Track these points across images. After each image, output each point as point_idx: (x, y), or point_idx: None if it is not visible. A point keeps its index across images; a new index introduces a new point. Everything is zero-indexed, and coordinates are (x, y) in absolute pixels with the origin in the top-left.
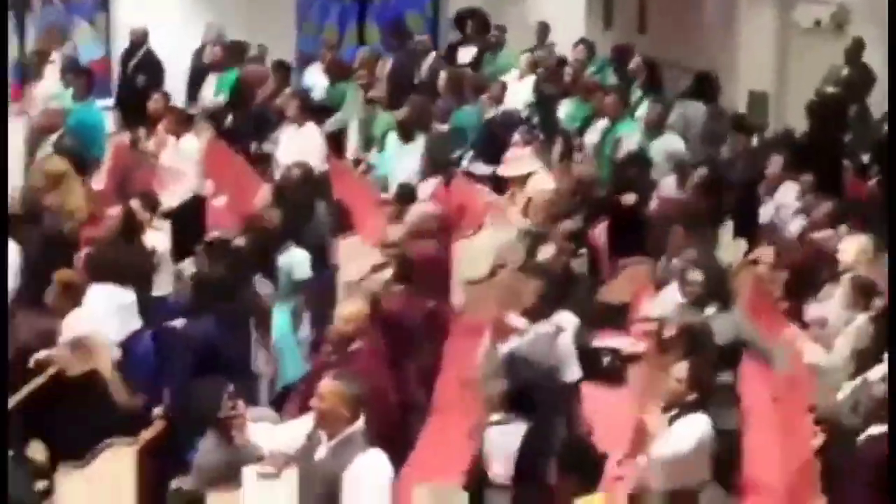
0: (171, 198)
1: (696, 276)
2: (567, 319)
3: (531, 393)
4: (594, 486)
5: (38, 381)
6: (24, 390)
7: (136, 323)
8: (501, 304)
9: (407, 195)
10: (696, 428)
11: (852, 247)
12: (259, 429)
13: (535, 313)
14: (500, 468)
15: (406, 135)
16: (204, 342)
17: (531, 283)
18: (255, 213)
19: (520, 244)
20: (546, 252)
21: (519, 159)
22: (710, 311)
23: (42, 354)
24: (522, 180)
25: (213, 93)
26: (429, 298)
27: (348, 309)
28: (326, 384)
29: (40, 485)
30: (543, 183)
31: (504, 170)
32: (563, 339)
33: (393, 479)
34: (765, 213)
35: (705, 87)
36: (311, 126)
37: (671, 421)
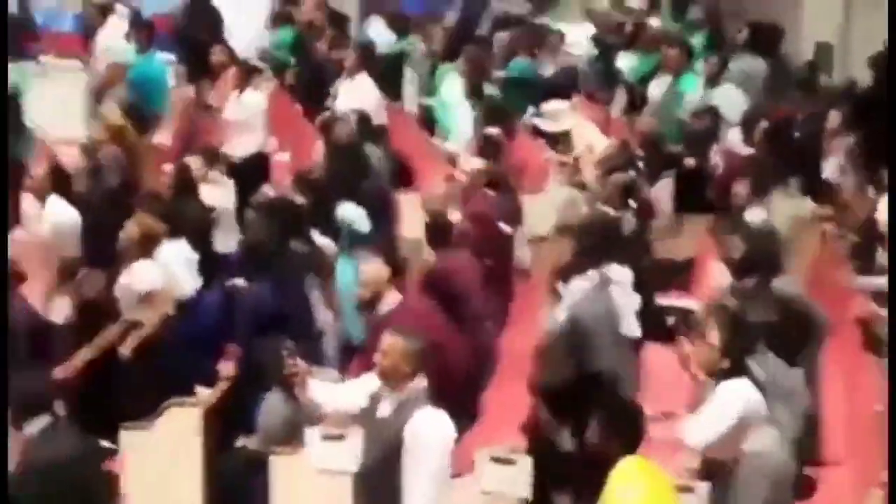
0: (234, 152)
1: (737, 244)
2: (619, 272)
3: (585, 353)
4: (635, 449)
5: (105, 339)
6: (89, 349)
7: (196, 279)
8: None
9: (492, 147)
10: (732, 402)
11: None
12: (321, 387)
13: (567, 272)
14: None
15: (474, 89)
16: (265, 306)
17: (565, 243)
18: (304, 169)
19: (579, 202)
20: (582, 210)
21: (555, 114)
22: (750, 281)
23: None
24: (564, 136)
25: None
26: (484, 257)
27: (366, 272)
28: (388, 340)
29: (105, 444)
30: (593, 138)
31: (543, 124)
32: (614, 291)
33: (456, 438)
34: (826, 170)
35: (761, 39)
36: (364, 77)
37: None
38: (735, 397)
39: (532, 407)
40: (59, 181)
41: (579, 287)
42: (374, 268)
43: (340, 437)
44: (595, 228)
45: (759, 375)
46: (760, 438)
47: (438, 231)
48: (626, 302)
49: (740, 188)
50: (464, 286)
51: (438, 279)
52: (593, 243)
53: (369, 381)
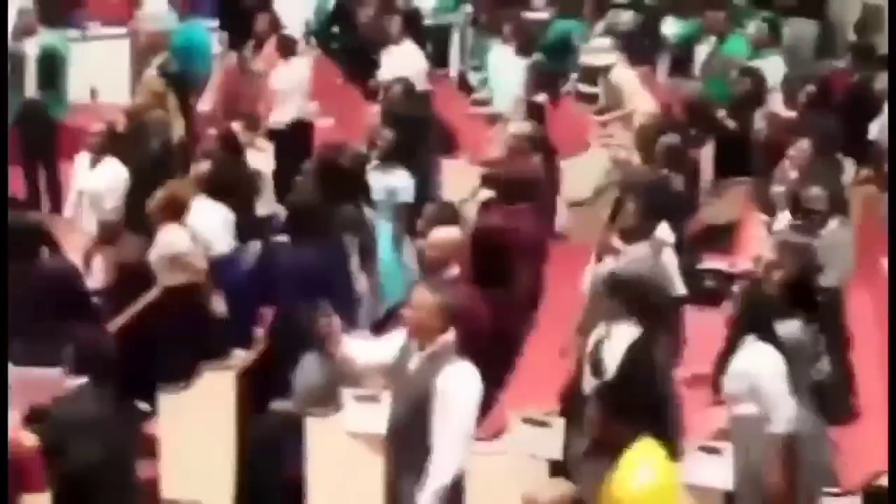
0: (278, 118)
1: (817, 192)
2: (666, 233)
3: (636, 309)
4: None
5: (145, 300)
6: (129, 311)
7: (231, 241)
8: (604, 226)
9: (536, 112)
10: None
11: None
12: (354, 343)
13: (632, 234)
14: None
15: (520, 54)
16: (306, 265)
17: (628, 205)
18: (366, 133)
19: (621, 166)
20: (641, 172)
21: (598, 51)
22: (833, 226)
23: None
24: (605, 72)
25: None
26: (530, 220)
27: (441, 235)
28: (417, 294)
29: (143, 406)
30: (637, 91)
31: (585, 58)
32: (665, 255)
33: (490, 401)
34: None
35: (810, 2)
36: (409, 44)
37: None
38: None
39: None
40: (115, 142)
41: (641, 249)
42: (449, 230)
43: (374, 399)
44: (656, 189)
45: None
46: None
47: (511, 187)
48: (673, 263)
49: (795, 150)
50: (522, 243)
51: (498, 233)
52: (655, 204)
53: (400, 337)
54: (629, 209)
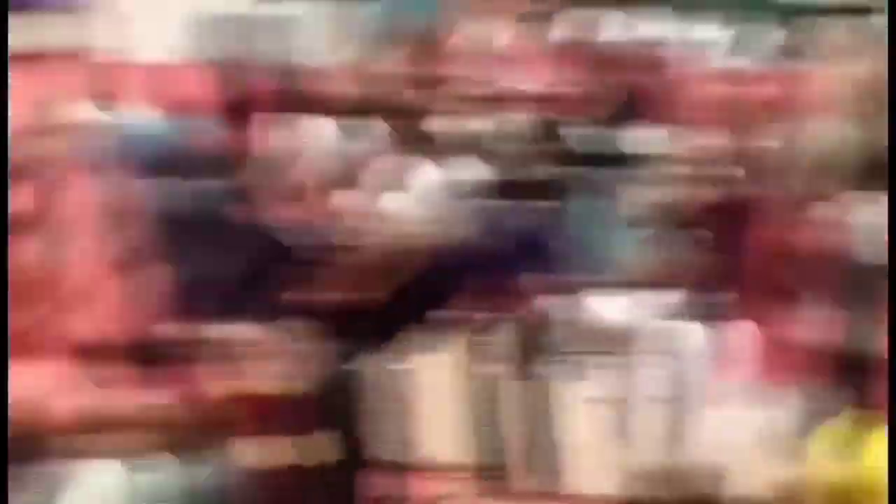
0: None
1: None
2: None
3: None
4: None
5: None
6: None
7: (447, 205)
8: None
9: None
10: None
11: None
12: (595, 304)
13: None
14: None
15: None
16: (525, 232)
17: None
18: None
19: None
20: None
21: None
22: None
23: None
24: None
25: None
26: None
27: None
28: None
29: (404, 366)
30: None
31: None
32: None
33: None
34: None
35: None
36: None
37: None
38: None
39: None
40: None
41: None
42: (681, 192)
43: (615, 364)
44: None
45: None
46: None
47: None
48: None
49: None
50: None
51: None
52: (865, 173)
53: (634, 297)
54: (833, 174)
